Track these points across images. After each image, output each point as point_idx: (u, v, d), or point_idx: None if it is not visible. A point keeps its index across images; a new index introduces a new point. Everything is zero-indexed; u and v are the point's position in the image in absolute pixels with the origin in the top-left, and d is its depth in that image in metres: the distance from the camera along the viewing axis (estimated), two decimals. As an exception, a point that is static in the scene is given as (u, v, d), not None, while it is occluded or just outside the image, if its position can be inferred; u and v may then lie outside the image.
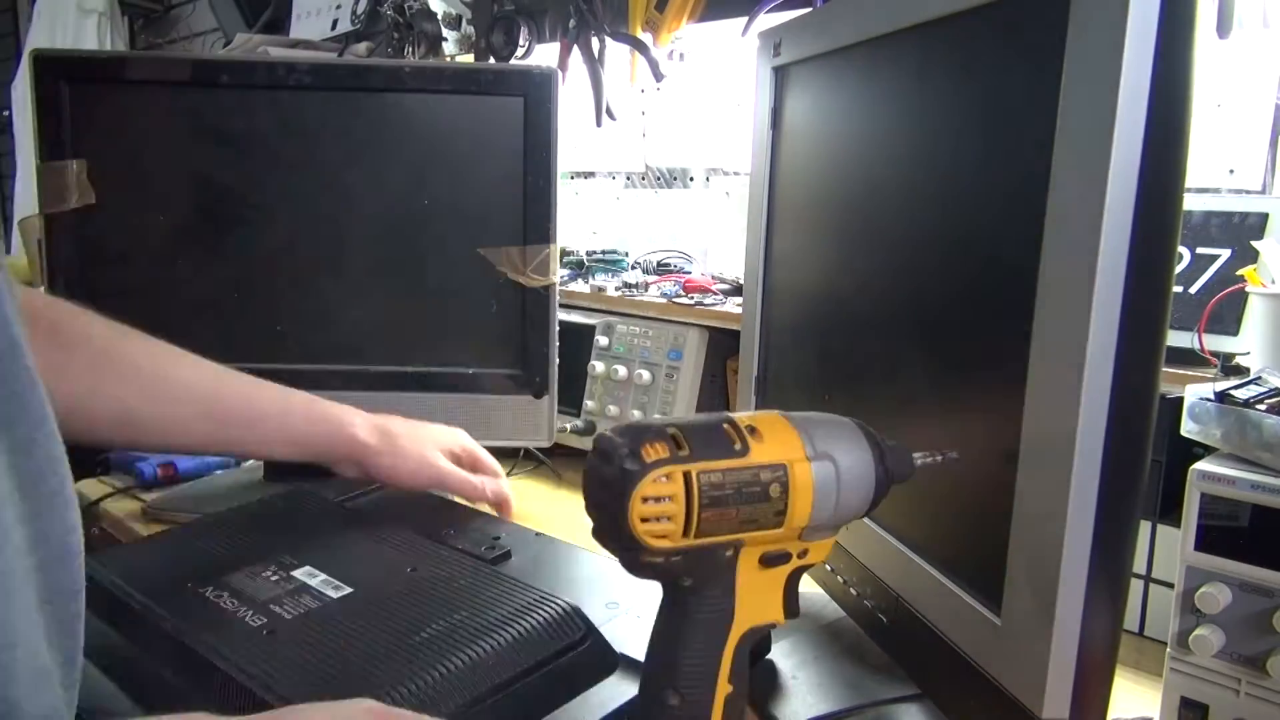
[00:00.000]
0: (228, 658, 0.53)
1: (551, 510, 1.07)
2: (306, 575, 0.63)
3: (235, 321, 1.01)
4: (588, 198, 1.65)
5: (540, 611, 0.58)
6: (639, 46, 1.29)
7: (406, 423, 0.85)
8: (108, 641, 0.58)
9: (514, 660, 0.54)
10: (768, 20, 1.11)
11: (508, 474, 1.20)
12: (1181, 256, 0.80)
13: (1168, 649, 0.59)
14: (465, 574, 0.63)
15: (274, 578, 0.62)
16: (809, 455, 0.43)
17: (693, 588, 0.44)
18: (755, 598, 0.45)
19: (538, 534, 0.77)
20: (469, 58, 1.61)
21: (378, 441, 0.81)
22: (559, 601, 0.59)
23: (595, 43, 1.36)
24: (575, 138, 1.48)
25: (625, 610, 0.65)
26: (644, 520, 0.41)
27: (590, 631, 0.58)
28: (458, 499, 0.89)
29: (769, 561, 0.45)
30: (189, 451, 0.79)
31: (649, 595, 0.64)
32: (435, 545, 0.69)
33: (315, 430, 0.80)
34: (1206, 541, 0.57)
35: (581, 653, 0.57)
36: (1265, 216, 0.78)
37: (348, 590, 0.61)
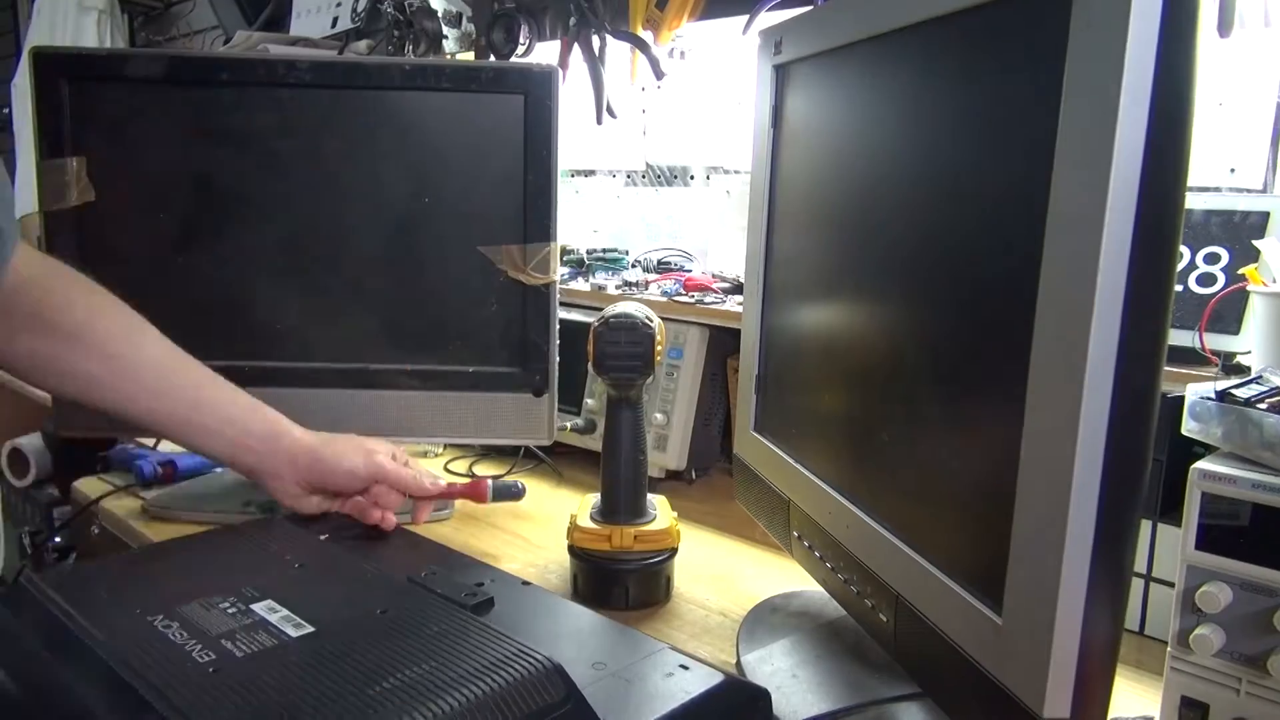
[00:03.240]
0: (164, 695, 0.48)
1: (553, 509, 1.07)
2: (266, 610, 0.58)
3: (235, 319, 1.01)
4: (588, 196, 1.65)
5: (517, 666, 0.52)
6: (639, 44, 1.29)
7: (340, 435, 0.87)
8: (38, 666, 0.54)
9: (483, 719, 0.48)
10: (768, 19, 1.11)
11: (508, 473, 1.20)
12: (1182, 255, 0.80)
13: (1168, 648, 0.59)
14: (440, 620, 0.58)
15: (230, 610, 0.58)
16: None
17: None
18: None
19: (525, 583, 0.72)
20: (469, 55, 1.61)
21: (315, 440, 0.83)
22: (539, 656, 0.53)
23: (596, 40, 1.36)
24: (575, 136, 1.48)
25: (611, 672, 0.59)
26: None
27: (571, 693, 0.52)
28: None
29: None
30: (140, 426, 0.81)
31: (638, 658, 0.60)
32: (411, 586, 0.65)
33: (253, 421, 0.81)
34: (1207, 540, 0.57)
35: (560, 716, 0.51)
36: (1266, 215, 0.78)
37: (309, 629, 0.56)
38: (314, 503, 0.84)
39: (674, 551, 0.85)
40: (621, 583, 0.83)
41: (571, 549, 0.85)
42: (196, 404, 0.81)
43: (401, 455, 0.88)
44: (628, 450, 0.84)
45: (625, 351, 0.82)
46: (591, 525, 0.84)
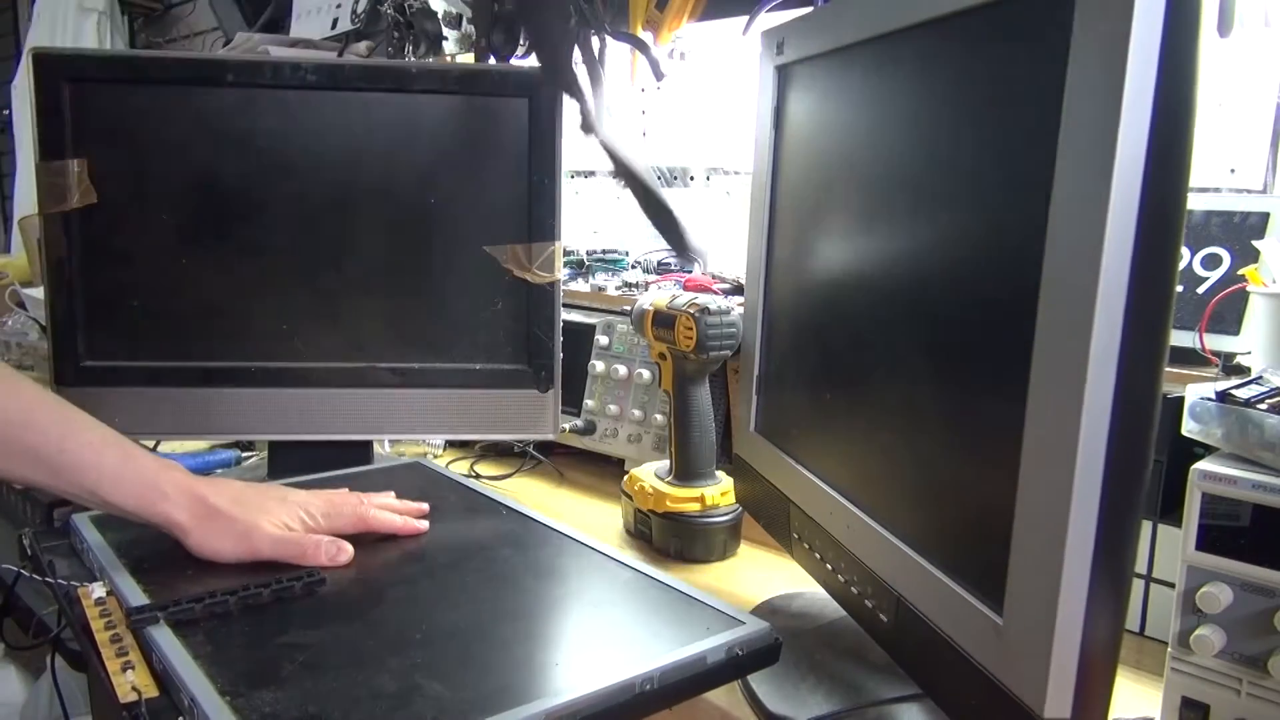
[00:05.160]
0: None
1: (555, 509, 1.07)
2: None
3: (240, 320, 1.01)
4: (588, 197, 1.65)
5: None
6: (639, 45, 1.29)
7: (238, 493, 0.75)
8: None
9: None
10: (768, 20, 1.11)
11: (512, 474, 1.20)
12: (1181, 256, 0.80)
13: (1169, 649, 0.59)
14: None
15: None
16: None
17: None
18: None
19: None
20: (469, 57, 1.61)
21: (188, 518, 0.72)
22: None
23: (595, 42, 1.36)
24: (576, 137, 1.48)
25: None
26: None
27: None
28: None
29: None
30: (11, 479, 0.73)
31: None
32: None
33: (124, 493, 0.71)
34: (1207, 541, 0.57)
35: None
36: (1266, 216, 0.78)
37: None
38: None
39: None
40: (717, 536, 0.94)
41: (662, 515, 0.95)
42: (56, 469, 0.71)
43: (316, 511, 0.76)
44: (708, 420, 0.97)
45: (725, 334, 0.94)
46: (679, 490, 0.94)
